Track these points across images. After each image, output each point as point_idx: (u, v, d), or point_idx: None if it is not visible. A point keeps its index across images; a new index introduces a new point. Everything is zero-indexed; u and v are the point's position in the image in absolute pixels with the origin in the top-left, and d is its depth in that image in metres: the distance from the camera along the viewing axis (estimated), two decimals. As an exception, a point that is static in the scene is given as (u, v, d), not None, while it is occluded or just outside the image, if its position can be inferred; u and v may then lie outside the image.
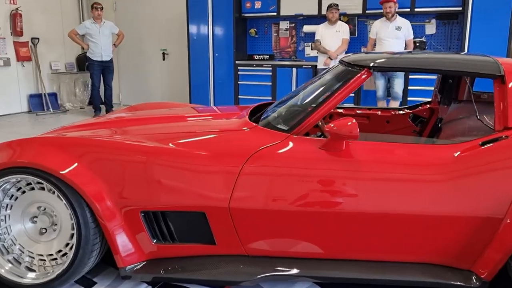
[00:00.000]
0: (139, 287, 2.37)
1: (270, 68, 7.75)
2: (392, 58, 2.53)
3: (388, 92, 6.76)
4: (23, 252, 2.39)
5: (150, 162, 2.23)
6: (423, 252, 2.16)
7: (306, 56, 7.97)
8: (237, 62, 7.89)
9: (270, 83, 7.80)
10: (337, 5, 6.93)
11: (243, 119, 2.58)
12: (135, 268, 2.27)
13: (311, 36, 7.80)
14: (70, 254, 2.23)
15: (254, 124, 2.44)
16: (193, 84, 8.29)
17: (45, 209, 2.35)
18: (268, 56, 8.08)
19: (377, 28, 6.64)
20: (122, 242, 2.23)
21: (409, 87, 6.84)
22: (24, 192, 2.35)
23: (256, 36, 8.26)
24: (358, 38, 7.58)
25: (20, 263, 2.38)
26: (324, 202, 2.14)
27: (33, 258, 2.38)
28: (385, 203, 2.11)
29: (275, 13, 7.70)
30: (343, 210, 2.13)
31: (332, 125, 2.10)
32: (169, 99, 8.97)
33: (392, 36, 6.54)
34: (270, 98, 7.79)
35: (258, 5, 7.78)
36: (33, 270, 2.37)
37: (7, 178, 2.26)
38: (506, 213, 2.00)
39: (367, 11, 7.19)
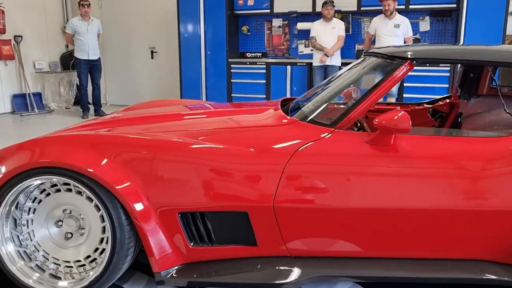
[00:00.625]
0: (173, 292, 2.24)
1: (264, 66, 7.66)
2: (434, 50, 2.46)
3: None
4: (47, 259, 2.22)
5: (188, 160, 2.10)
6: (475, 248, 2.09)
7: (299, 53, 7.91)
8: (230, 60, 7.77)
9: (264, 81, 7.70)
10: (333, 1, 6.88)
11: (278, 112, 2.47)
12: (170, 273, 2.13)
13: (304, 34, 7.75)
14: (104, 259, 2.08)
15: (293, 118, 2.33)
16: (184, 82, 8.12)
17: (71, 212, 2.19)
18: (260, 54, 7.99)
19: (376, 25, 6.63)
20: (158, 245, 2.10)
21: (405, 84, 6.85)
22: (48, 194, 2.18)
23: (249, 33, 8.15)
24: (352, 36, 7.56)
25: (44, 271, 2.21)
26: (374, 199, 2.05)
27: (59, 265, 2.22)
28: (438, 199, 2.03)
29: (268, 10, 7.61)
30: (393, 207, 2.05)
31: (382, 118, 2.01)
32: (159, 98, 8.78)
33: (391, 33, 6.53)
34: (264, 96, 7.72)
35: (250, 2, 7.67)
36: (59, 278, 2.20)
37: (30, 181, 2.10)
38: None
39: (361, 8, 7.17)
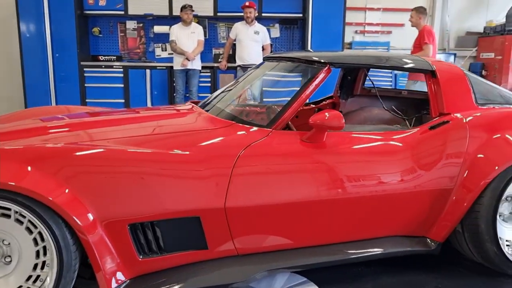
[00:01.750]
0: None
1: (121, 70, 7.35)
2: (349, 56, 2.76)
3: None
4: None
5: (135, 170, 1.99)
6: (393, 226, 2.44)
7: (157, 57, 7.79)
8: (82, 63, 7.24)
9: (122, 85, 7.39)
10: (192, 6, 6.97)
11: (208, 115, 2.48)
12: (120, 289, 2.00)
13: (161, 37, 7.68)
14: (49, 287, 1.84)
15: (230, 121, 2.38)
16: (28, 88, 7.26)
17: None
18: (115, 57, 7.61)
19: (238, 30, 6.93)
20: (106, 260, 1.94)
21: (263, 87, 7.33)
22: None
23: (100, 35, 7.70)
24: (208, 40, 7.75)
25: None
26: (312, 192, 2.24)
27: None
28: (364, 187, 2.31)
29: (122, 12, 7.31)
30: (329, 198, 2.26)
31: (316, 118, 2.20)
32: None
33: (251, 39, 6.91)
34: (123, 101, 7.41)
35: (102, 2, 7.27)
36: None
37: None
38: (455, 184, 2.41)
39: (218, 14, 7.42)
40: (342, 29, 7.34)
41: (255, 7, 6.89)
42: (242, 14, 7.06)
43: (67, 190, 1.86)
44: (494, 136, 2.46)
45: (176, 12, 7.24)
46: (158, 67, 7.43)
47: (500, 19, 7.90)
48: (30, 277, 1.91)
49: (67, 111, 3.13)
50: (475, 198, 2.36)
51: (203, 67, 7.23)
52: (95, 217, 1.90)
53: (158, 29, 7.54)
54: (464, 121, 2.49)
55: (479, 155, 2.41)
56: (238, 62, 7.06)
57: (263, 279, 2.39)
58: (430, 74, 2.64)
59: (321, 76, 2.44)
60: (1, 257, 1.90)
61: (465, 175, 2.40)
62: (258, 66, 3.35)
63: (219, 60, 7.66)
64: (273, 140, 2.26)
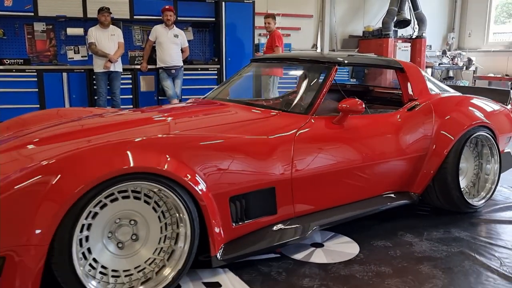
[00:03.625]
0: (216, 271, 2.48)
1: (35, 74, 7.05)
2: (351, 57, 3.44)
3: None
4: (105, 275, 2.09)
5: (232, 152, 2.41)
6: (390, 184, 3.20)
7: (69, 60, 7.59)
8: (-12, 67, 6.78)
9: (37, 90, 7.09)
10: (109, 8, 7.02)
11: (244, 107, 3.01)
12: (221, 254, 2.39)
13: (73, 39, 7.54)
14: (183, 255, 2.18)
15: (277, 110, 2.90)
16: None
17: (121, 220, 2.14)
18: (22, 60, 7.21)
19: (158, 33, 7.19)
20: (214, 228, 2.32)
21: (182, 87, 7.67)
22: (104, 205, 2.07)
23: (5, 37, 7.24)
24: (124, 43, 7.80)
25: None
26: (343, 161, 2.88)
27: (118, 276, 2.13)
28: (374, 155, 3.02)
29: (32, 13, 7.01)
30: (354, 165, 2.92)
31: (345, 104, 2.85)
32: None
33: (172, 42, 7.24)
34: (38, 106, 7.11)
35: (8, 2, 6.88)
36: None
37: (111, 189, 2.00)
38: (428, 150, 3.27)
39: (134, 17, 7.55)
40: (252, 32, 8.07)
41: (174, 11, 7.25)
42: (157, 17, 7.39)
43: (191, 171, 2.22)
44: (449, 115, 3.39)
45: (90, 14, 7.21)
46: (75, 70, 7.29)
47: (374, 24, 9.43)
48: (155, 250, 2.22)
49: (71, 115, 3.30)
50: (443, 159, 3.25)
51: (124, 69, 7.34)
52: (208, 191, 2.28)
53: (71, 31, 7.38)
54: (430, 104, 3.38)
55: (441, 131, 3.30)
56: (160, 64, 7.32)
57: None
58: (399, 70, 3.49)
59: (333, 73, 3.09)
60: (130, 235, 2.17)
61: (434, 144, 3.28)
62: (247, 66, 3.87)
63: (135, 62, 7.80)
64: (314, 124, 2.84)
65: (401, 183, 3.28)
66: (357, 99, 2.88)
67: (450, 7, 10.43)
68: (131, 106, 7.62)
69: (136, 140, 2.21)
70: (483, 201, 3.51)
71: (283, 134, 2.69)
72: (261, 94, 6.27)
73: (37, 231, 1.84)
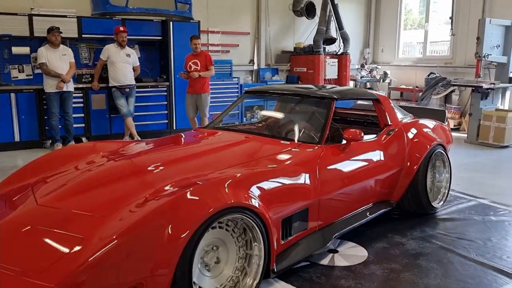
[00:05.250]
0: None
1: (-20, 95, 6.79)
2: (343, 91, 4.05)
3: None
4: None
5: (281, 182, 2.92)
6: (377, 195, 3.88)
7: (13, 79, 7.37)
8: None
9: (-17, 112, 6.83)
10: (59, 28, 6.99)
11: (263, 139, 3.52)
12: (275, 267, 2.88)
13: (18, 58, 7.35)
14: (259, 268, 2.63)
15: (296, 142, 3.43)
16: None
17: (207, 247, 2.54)
18: (-38, 81, 6.92)
19: (110, 52, 7.30)
20: (275, 247, 2.81)
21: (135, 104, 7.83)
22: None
23: None
24: (69, 61, 7.75)
25: None
26: (352, 180, 3.51)
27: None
28: (370, 172, 3.70)
29: (-25, 32, 6.74)
30: (360, 181, 3.58)
31: (349, 133, 3.49)
32: None
33: (124, 61, 7.40)
34: (-15, 128, 6.85)
35: None
36: None
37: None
38: (403, 165, 4.03)
39: (82, 35, 7.55)
40: (199, 50, 8.44)
41: (127, 32, 7.41)
42: (104, 36, 7.51)
43: (261, 202, 2.69)
44: (417, 138, 4.18)
45: (37, 33, 7.12)
46: (24, 90, 7.12)
47: (304, 41, 10.30)
48: (233, 268, 2.65)
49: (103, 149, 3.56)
50: (415, 173, 4.03)
51: (76, 89, 7.34)
52: (270, 216, 2.76)
53: (17, 50, 7.20)
54: (402, 129, 4.16)
55: (412, 151, 4.08)
56: (114, 83, 7.43)
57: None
58: (376, 100, 4.22)
59: (333, 107, 3.71)
60: (214, 260, 2.58)
61: (408, 161, 4.05)
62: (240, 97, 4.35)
63: (83, 80, 7.79)
64: (327, 152, 3.42)
65: (384, 194, 4.00)
66: (357, 130, 3.53)
67: (365, 25, 11.69)
68: (83, 125, 7.61)
69: (232, 177, 2.64)
70: (441, 203, 4.37)
71: (311, 164, 3.24)
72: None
73: (163, 263, 2.20)
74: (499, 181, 5.60)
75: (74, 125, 7.37)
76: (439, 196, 4.40)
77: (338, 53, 10.20)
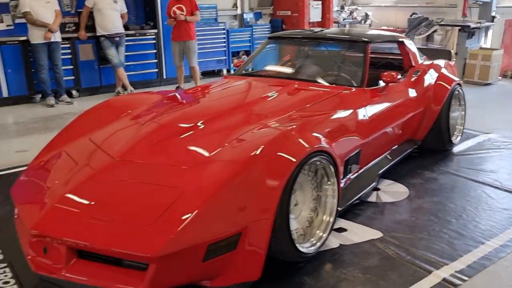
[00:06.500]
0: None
1: (-38, 48, 6.34)
2: (376, 35, 4.07)
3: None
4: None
5: (341, 125, 3.02)
6: (406, 135, 4.06)
7: (-7, 30, 6.89)
8: None
9: (-34, 67, 6.41)
10: (39, -26, 6.52)
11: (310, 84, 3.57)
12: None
13: (-4, 7, 6.82)
14: (334, 206, 2.76)
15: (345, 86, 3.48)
16: None
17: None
18: None
19: (97, -1, 6.92)
20: (341, 185, 2.94)
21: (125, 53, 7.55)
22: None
23: None
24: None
25: None
26: (389, 120, 3.65)
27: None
28: (404, 112, 3.86)
29: None
30: (398, 121, 3.73)
31: (387, 77, 3.58)
32: None
33: (112, 8, 7.07)
34: (-31, 84, 6.46)
35: None
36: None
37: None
38: (427, 104, 4.20)
39: (63, -19, 7.09)
40: None
41: (111, -23, 7.01)
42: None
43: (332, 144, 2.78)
44: (439, 74, 4.35)
45: (16, -21, 6.61)
46: (8, 42, 6.69)
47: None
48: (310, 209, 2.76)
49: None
50: (439, 111, 4.22)
51: (63, 39, 6.98)
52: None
53: (-4, -1, 6.68)
54: (426, 69, 4.29)
55: (435, 88, 4.26)
56: (101, 32, 7.11)
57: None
58: (401, 42, 4.30)
59: (369, 50, 3.76)
60: (294, 203, 2.67)
61: (432, 102, 4.21)
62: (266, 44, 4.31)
63: (66, 29, 7.38)
64: (369, 94, 3.49)
65: (410, 133, 4.19)
66: (394, 72, 3.62)
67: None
68: (73, 78, 7.31)
69: (309, 122, 2.75)
70: (458, 139, 4.62)
71: (360, 106, 3.33)
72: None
73: (265, 207, 2.28)
74: (496, 116, 5.93)
75: (64, 78, 7.06)
76: (455, 133, 4.63)
77: (321, -5, 10.08)
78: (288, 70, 4.05)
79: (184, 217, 2.08)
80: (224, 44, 9.01)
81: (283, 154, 2.39)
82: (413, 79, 4.13)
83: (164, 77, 8.20)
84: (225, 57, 9.06)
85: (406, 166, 4.11)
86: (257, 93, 3.46)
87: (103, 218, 2.19)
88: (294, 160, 2.37)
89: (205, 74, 8.82)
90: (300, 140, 2.52)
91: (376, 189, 3.63)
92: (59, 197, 2.36)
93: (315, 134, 2.68)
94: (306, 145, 2.50)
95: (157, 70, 8.14)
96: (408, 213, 3.23)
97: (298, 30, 4.51)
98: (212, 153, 2.46)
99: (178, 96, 3.63)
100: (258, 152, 2.34)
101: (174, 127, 2.86)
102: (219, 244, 2.16)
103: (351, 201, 3.13)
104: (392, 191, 3.60)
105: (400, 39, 4.31)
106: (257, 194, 2.26)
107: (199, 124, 2.84)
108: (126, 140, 2.77)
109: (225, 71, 9.16)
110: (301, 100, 3.27)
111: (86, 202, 2.29)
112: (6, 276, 2.51)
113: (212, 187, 2.19)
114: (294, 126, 2.63)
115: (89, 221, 2.19)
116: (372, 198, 3.47)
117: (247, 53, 9.36)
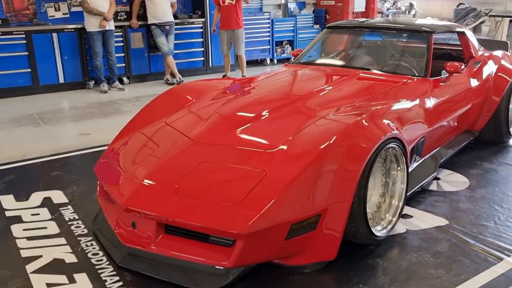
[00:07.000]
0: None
1: (24, 36, 6.63)
2: (438, 25, 4.08)
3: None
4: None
5: (410, 113, 3.08)
6: (464, 126, 4.07)
7: (50, 18, 7.18)
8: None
9: (26, 53, 6.71)
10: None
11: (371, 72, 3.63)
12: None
13: (53, -4, 7.09)
14: (402, 192, 2.83)
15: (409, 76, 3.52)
16: None
17: None
18: (0, 21, 6.69)
19: (150, -12, 7.09)
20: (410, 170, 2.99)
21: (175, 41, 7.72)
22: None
23: (-23, -4, 6.60)
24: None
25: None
26: (451, 110, 3.66)
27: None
28: (464, 102, 3.86)
29: (10, -31, 6.46)
30: (456, 112, 3.73)
31: (450, 67, 3.59)
32: None
33: (163, -3, 7.21)
34: (29, 70, 6.77)
35: (-17, -43, 6.26)
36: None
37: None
38: (487, 95, 4.19)
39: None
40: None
41: (165, -35, 7.16)
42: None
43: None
44: (498, 65, 4.32)
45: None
46: (66, 30, 6.96)
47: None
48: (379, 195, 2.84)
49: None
50: (498, 102, 4.20)
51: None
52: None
53: (53, -13, 6.94)
54: (486, 60, 4.26)
55: (495, 80, 4.24)
56: (153, 20, 7.28)
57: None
58: (462, 33, 4.28)
59: (432, 40, 3.77)
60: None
61: (492, 93, 4.19)
62: (325, 33, 4.37)
63: (118, 18, 7.60)
64: (433, 84, 3.52)
65: (469, 123, 4.18)
66: (457, 63, 3.62)
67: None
68: (124, 65, 7.53)
69: (384, 109, 2.81)
70: (518, 129, 4.58)
71: (426, 96, 3.36)
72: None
73: (344, 190, 2.37)
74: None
75: (117, 65, 7.29)
76: (515, 125, 4.60)
77: (366, -15, 9.99)
78: (349, 59, 4.09)
79: (269, 198, 2.20)
80: (268, 34, 9.07)
81: (361, 140, 2.47)
82: (474, 70, 4.11)
83: (210, 65, 8.34)
84: (269, 46, 9.13)
85: (464, 157, 4.11)
86: (323, 81, 3.53)
87: (192, 196, 2.33)
88: (371, 146, 2.45)
89: (249, 63, 8.89)
90: (375, 127, 2.59)
91: (436, 178, 3.66)
92: (146, 175, 2.51)
93: (386, 121, 2.74)
94: (381, 132, 2.57)
95: (203, 58, 8.29)
96: (471, 203, 3.25)
97: (357, 20, 4.51)
98: (290, 138, 2.55)
99: (245, 83, 3.73)
100: (337, 138, 2.42)
101: (249, 112, 2.96)
102: (301, 224, 2.27)
103: (413, 189, 3.17)
104: (452, 181, 3.63)
105: (461, 30, 4.29)
106: (336, 178, 2.35)
107: (272, 109, 2.94)
108: (202, 124, 2.90)
109: (268, 61, 9.24)
110: (367, 88, 3.33)
111: (172, 181, 2.43)
112: (94, 248, 2.68)
113: (295, 170, 2.28)
114: (369, 113, 2.69)
115: (178, 199, 2.33)
116: (433, 187, 3.51)
117: (290, 43, 9.41)
